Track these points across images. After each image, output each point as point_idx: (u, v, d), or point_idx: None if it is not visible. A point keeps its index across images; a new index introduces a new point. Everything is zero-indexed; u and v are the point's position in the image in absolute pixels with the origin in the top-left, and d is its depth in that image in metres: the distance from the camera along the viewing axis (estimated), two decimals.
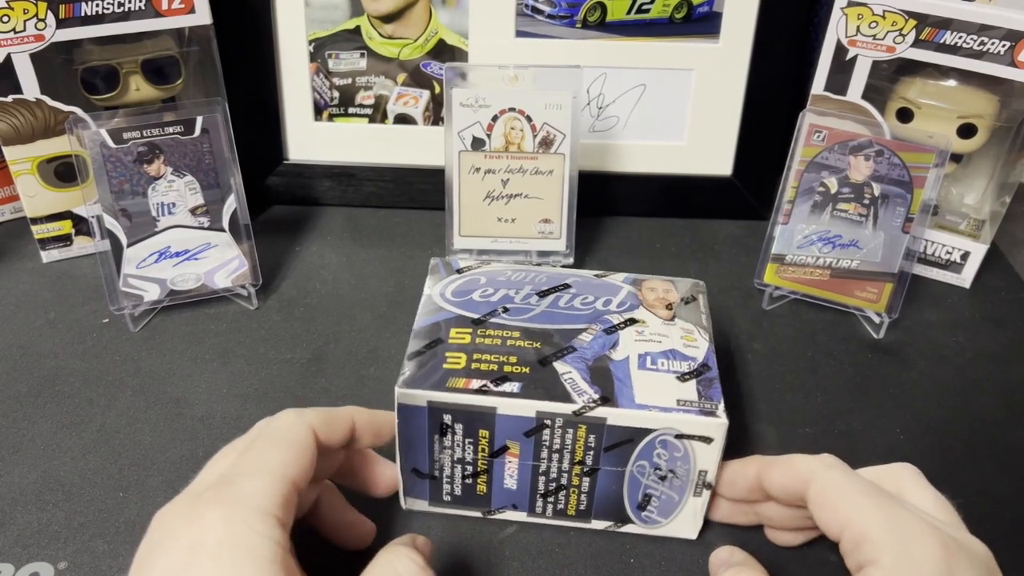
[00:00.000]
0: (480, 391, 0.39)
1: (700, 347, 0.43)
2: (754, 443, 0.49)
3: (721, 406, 0.39)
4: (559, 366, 0.41)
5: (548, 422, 0.39)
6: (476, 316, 0.44)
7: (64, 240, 0.62)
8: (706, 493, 0.41)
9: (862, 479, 0.36)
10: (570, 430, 0.39)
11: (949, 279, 0.64)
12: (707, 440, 0.39)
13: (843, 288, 0.58)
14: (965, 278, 0.63)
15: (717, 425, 0.39)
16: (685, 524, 0.42)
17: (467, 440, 0.41)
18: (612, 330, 0.43)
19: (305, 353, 0.55)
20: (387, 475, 0.42)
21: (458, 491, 0.43)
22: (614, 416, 0.39)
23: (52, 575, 0.41)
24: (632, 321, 0.44)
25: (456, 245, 0.61)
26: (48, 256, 0.63)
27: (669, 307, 0.45)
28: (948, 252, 0.63)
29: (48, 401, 0.51)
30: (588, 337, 0.43)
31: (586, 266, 0.64)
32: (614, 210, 0.70)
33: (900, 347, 0.57)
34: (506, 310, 0.45)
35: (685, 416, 0.39)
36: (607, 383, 0.40)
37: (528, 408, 0.39)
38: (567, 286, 0.47)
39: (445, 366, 0.41)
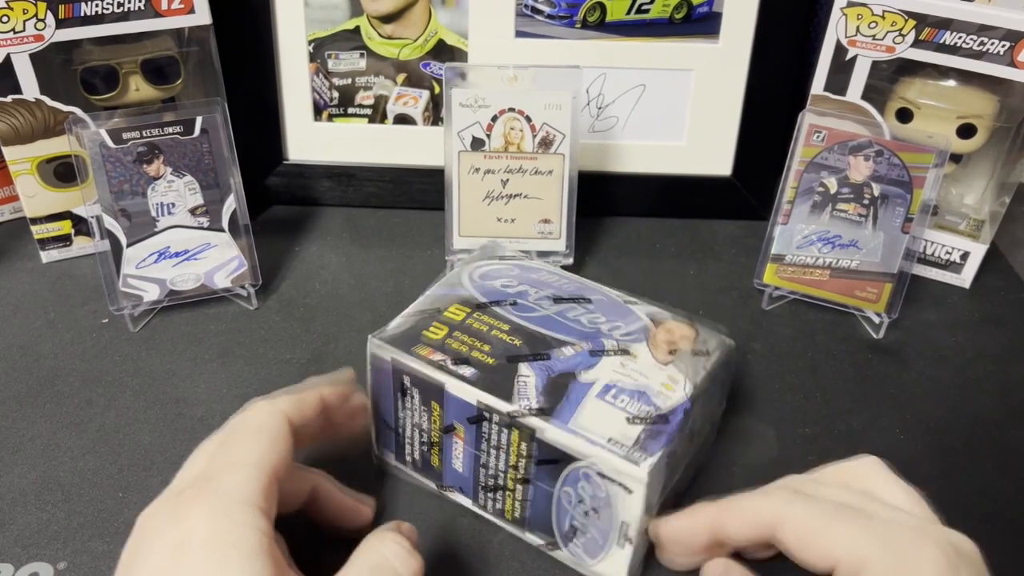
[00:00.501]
0: (437, 365, 0.40)
1: (673, 399, 0.40)
2: (754, 443, 0.49)
3: (650, 461, 0.36)
4: (522, 368, 0.41)
5: (487, 415, 0.39)
6: (483, 300, 0.45)
7: (64, 240, 0.62)
8: (629, 547, 0.38)
9: (827, 504, 0.34)
10: (506, 431, 0.39)
11: (949, 279, 0.64)
12: (627, 489, 0.37)
13: (843, 288, 0.58)
14: (965, 278, 0.63)
15: (634, 476, 0.36)
16: (613, 571, 0.40)
17: (422, 408, 0.42)
18: (597, 353, 0.42)
19: (305, 353, 0.55)
20: (360, 510, 0.42)
21: (417, 456, 0.43)
22: (543, 430, 0.38)
23: (51, 575, 0.41)
24: (624, 352, 0.42)
25: (456, 245, 0.61)
26: (48, 256, 0.63)
27: (672, 352, 0.43)
28: (948, 252, 0.63)
29: (48, 401, 0.51)
30: (569, 352, 0.42)
31: (586, 266, 0.64)
32: (614, 210, 0.70)
33: (900, 347, 0.57)
34: (514, 304, 0.45)
35: (606, 455, 0.37)
36: (556, 398, 0.39)
37: (471, 395, 0.40)
38: (587, 301, 0.46)
39: (424, 333, 0.42)
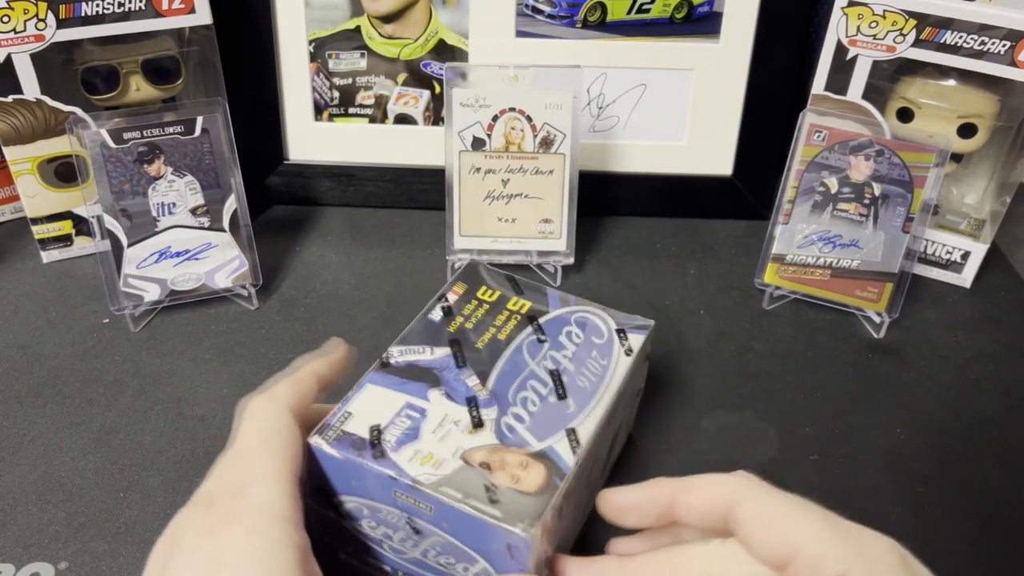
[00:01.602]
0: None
1: (413, 468, 0.35)
2: (755, 443, 0.49)
3: (320, 441, 0.36)
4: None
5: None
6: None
7: (64, 240, 0.62)
8: None
9: (789, 496, 0.33)
10: None
11: (949, 279, 0.64)
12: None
13: (843, 288, 0.58)
14: (965, 278, 0.63)
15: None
16: None
17: None
18: (471, 402, 0.39)
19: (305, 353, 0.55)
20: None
21: None
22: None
23: (52, 575, 0.41)
24: (477, 424, 0.38)
25: (456, 245, 0.61)
26: (48, 256, 0.63)
27: (481, 464, 0.36)
28: (948, 252, 0.63)
29: (48, 401, 0.51)
30: (470, 380, 0.40)
31: (586, 266, 0.64)
32: (614, 210, 0.70)
33: (900, 347, 0.57)
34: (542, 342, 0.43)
35: (335, 418, 0.37)
36: (412, 377, 0.40)
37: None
38: (563, 397, 0.40)
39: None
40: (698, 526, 0.35)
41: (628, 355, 0.42)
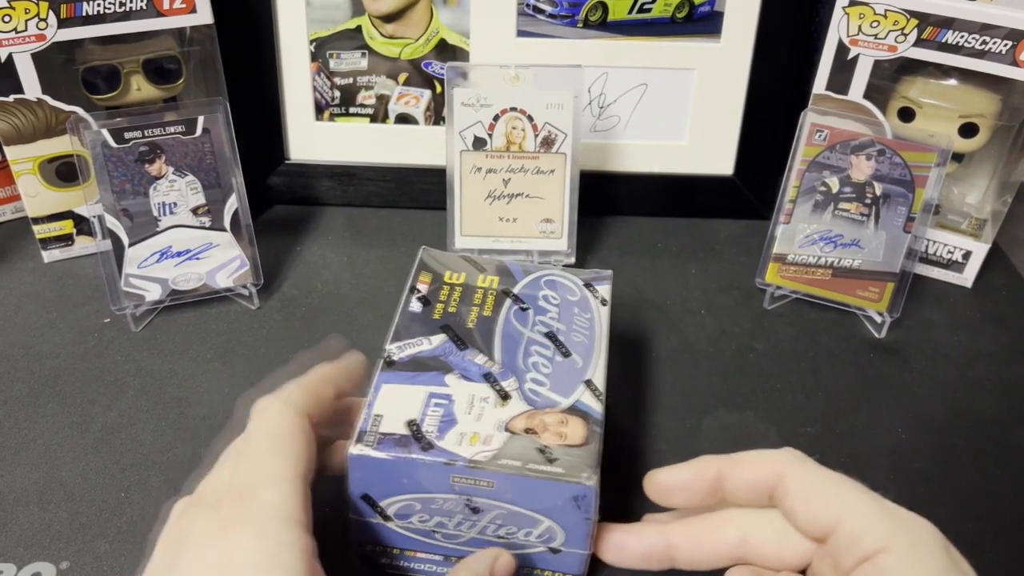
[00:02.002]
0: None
1: (463, 449, 0.36)
2: (756, 443, 0.49)
3: (362, 449, 0.35)
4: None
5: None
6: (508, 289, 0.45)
7: (65, 240, 0.62)
8: None
9: (836, 472, 0.34)
10: None
11: (951, 278, 0.64)
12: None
13: (845, 288, 0.58)
14: (967, 277, 0.63)
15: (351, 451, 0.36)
16: None
17: None
18: (488, 378, 0.40)
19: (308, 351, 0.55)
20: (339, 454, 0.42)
21: None
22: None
23: (54, 575, 0.41)
24: (503, 396, 0.39)
25: (457, 245, 0.61)
26: (49, 256, 0.63)
27: (528, 432, 0.37)
28: (950, 252, 0.63)
29: (50, 401, 0.51)
30: (480, 359, 0.41)
31: (588, 266, 0.64)
32: (615, 210, 0.70)
33: (902, 347, 0.57)
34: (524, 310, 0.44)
35: (365, 417, 0.37)
36: (418, 368, 0.40)
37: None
38: (567, 355, 0.42)
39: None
40: (744, 503, 0.35)
41: (604, 305, 0.45)
